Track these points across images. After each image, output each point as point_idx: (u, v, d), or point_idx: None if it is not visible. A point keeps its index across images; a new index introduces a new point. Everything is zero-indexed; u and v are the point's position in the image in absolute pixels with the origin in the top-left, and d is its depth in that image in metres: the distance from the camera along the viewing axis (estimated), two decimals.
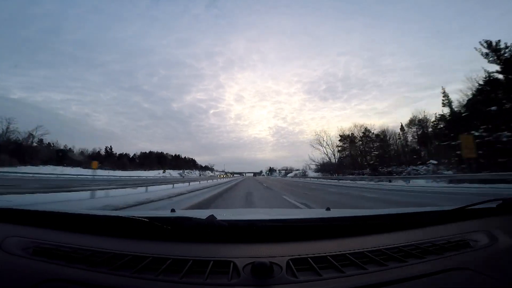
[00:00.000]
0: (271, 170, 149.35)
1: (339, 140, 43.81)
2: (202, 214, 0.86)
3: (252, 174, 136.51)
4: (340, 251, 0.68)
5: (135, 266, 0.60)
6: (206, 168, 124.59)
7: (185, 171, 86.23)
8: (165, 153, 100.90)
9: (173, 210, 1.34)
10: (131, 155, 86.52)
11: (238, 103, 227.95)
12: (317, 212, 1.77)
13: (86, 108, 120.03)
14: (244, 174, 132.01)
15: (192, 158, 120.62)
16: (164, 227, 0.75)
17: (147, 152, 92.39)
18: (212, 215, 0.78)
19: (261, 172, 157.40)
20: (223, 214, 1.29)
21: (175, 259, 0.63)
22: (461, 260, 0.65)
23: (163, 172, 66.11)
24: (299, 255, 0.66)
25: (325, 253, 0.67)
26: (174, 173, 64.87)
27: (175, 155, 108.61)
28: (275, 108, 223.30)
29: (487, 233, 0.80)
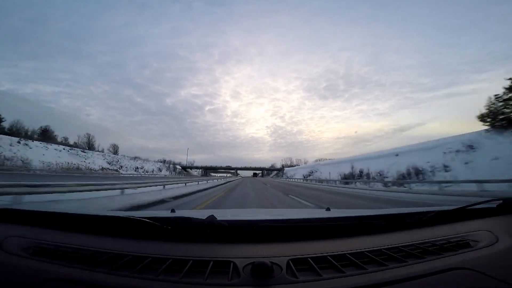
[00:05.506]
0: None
1: None
2: (202, 214, 0.87)
3: (252, 174, 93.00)
4: (340, 251, 0.69)
5: (135, 266, 0.60)
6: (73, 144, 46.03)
7: None
8: None
9: (173, 210, 1.34)
10: None
11: (234, 100, 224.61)
12: (317, 212, 1.77)
13: (77, 101, 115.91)
14: (235, 172, 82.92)
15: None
16: (164, 227, 0.76)
17: None
18: (212, 215, 0.78)
19: (274, 169, 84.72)
20: (223, 214, 1.29)
21: (175, 259, 0.63)
22: (461, 260, 0.65)
23: None
24: (299, 255, 0.66)
25: (325, 253, 0.67)
26: None
27: None
28: (273, 106, 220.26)
29: (487, 233, 0.80)
